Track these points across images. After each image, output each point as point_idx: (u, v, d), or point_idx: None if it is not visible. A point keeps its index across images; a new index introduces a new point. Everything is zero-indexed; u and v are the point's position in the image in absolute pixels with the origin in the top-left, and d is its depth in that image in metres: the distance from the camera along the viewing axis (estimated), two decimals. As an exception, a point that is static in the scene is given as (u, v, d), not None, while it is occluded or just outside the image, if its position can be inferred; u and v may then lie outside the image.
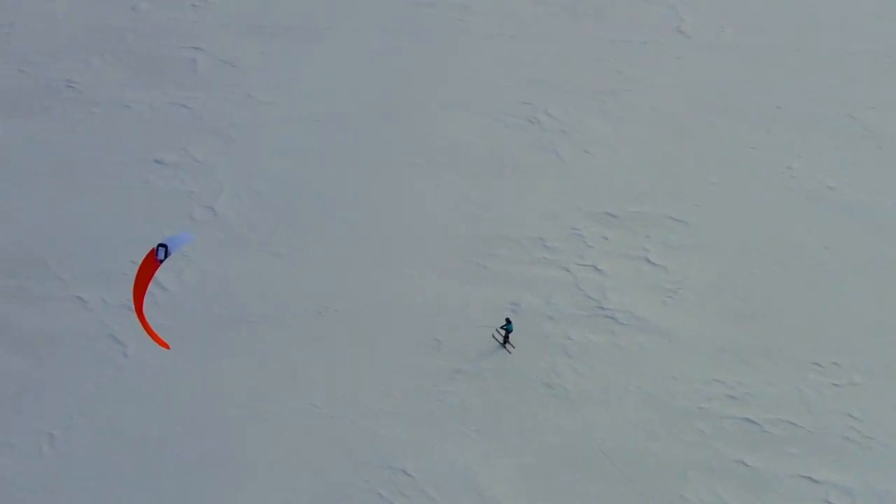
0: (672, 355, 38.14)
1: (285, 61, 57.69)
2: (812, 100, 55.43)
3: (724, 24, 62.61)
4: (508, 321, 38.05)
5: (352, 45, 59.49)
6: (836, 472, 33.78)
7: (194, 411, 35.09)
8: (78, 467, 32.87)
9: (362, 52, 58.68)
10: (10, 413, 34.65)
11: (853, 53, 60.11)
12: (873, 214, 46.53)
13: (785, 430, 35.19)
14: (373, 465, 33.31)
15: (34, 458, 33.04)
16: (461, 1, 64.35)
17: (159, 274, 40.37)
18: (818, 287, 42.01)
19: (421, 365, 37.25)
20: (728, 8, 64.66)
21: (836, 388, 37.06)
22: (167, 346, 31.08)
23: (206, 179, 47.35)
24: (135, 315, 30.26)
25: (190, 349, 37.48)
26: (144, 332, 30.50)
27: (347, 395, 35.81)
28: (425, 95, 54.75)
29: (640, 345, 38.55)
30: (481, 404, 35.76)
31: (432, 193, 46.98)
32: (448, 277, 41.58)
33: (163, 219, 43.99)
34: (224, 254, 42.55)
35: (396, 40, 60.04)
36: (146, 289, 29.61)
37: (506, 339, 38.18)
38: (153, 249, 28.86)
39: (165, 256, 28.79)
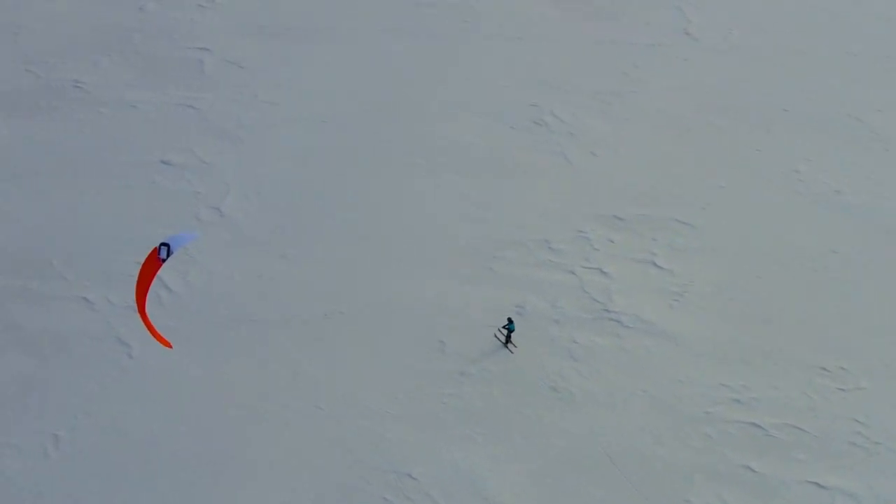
0: (678, 359, 38.04)
1: (292, 62, 57.71)
2: (819, 102, 55.33)
3: (732, 26, 62.54)
4: (510, 321, 38.01)
5: (359, 46, 59.52)
6: (843, 477, 33.63)
7: (198, 412, 35.07)
8: (82, 468, 32.86)
9: (369, 54, 58.70)
10: (15, 413, 34.66)
11: (860, 56, 59.97)
12: (880, 217, 46.38)
13: (791, 435, 35.06)
14: (377, 468, 33.24)
15: (39, 459, 33.03)
16: (467, 2, 64.38)
17: (165, 275, 40.59)
18: (824, 290, 41.88)
19: (425, 367, 37.19)
20: (735, 10, 64.59)
21: (843, 392, 36.93)
22: (170, 346, 31.05)
23: (212, 180, 47.37)
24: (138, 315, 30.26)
25: (195, 350, 37.46)
26: (147, 332, 30.48)
27: (352, 398, 35.76)
28: (431, 97, 54.75)
29: (646, 348, 38.45)
30: (486, 407, 35.69)
31: (438, 195, 46.95)
32: (453, 280, 41.52)
33: (169, 220, 43.97)
34: (230, 255, 42.54)
35: (403, 41, 60.06)
36: (148, 288, 29.57)
37: (508, 338, 38.15)
38: (155, 248, 28.84)
39: (168, 255, 28.74)
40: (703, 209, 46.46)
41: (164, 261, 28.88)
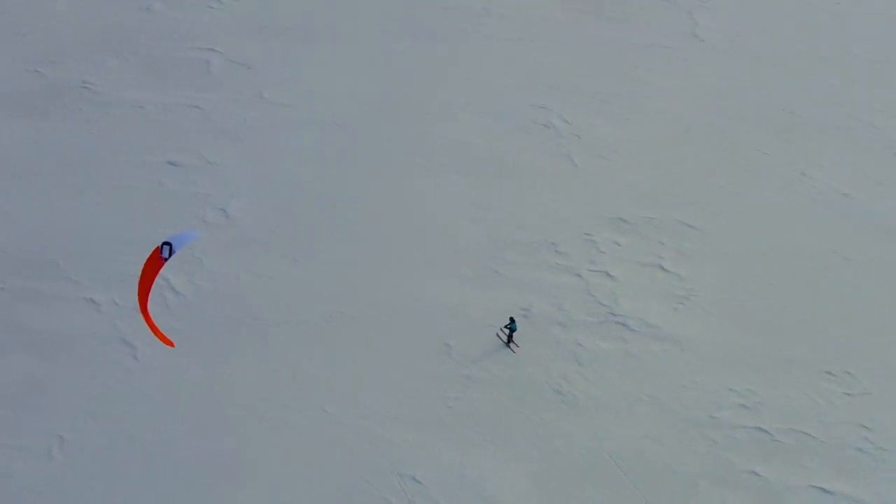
0: (684, 363, 37.94)
1: (299, 63, 57.76)
2: (827, 106, 55.22)
3: (740, 28, 62.41)
4: (512, 320, 38.00)
5: (364, 46, 59.53)
6: (849, 483, 33.50)
7: (202, 413, 35.07)
8: (87, 469, 32.87)
9: (374, 54, 58.72)
10: (21, 414, 34.68)
11: (865, 58, 59.81)
12: (888, 222, 46.25)
13: (797, 441, 34.94)
14: (380, 470, 33.19)
15: (43, 460, 33.05)
16: (477, 4, 64.36)
17: (171, 276, 40.64)
18: (831, 295, 41.75)
19: (431, 370, 37.14)
20: (743, 13, 64.49)
21: (849, 397, 36.80)
22: (172, 344, 31.05)
23: (218, 181, 47.37)
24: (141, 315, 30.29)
25: (200, 352, 37.47)
26: (150, 332, 30.50)
27: (355, 399, 35.73)
28: (436, 98, 54.75)
29: (652, 352, 38.36)
30: (491, 411, 35.62)
31: (443, 197, 46.90)
32: (459, 282, 41.47)
33: (174, 221, 43.94)
34: (235, 257, 42.53)
35: (407, 42, 60.08)
36: (151, 287, 29.52)
37: (510, 338, 38.14)
38: (158, 247, 28.82)
39: (170, 255, 28.71)
40: (709, 212, 46.37)
41: (166, 260, 28.84)
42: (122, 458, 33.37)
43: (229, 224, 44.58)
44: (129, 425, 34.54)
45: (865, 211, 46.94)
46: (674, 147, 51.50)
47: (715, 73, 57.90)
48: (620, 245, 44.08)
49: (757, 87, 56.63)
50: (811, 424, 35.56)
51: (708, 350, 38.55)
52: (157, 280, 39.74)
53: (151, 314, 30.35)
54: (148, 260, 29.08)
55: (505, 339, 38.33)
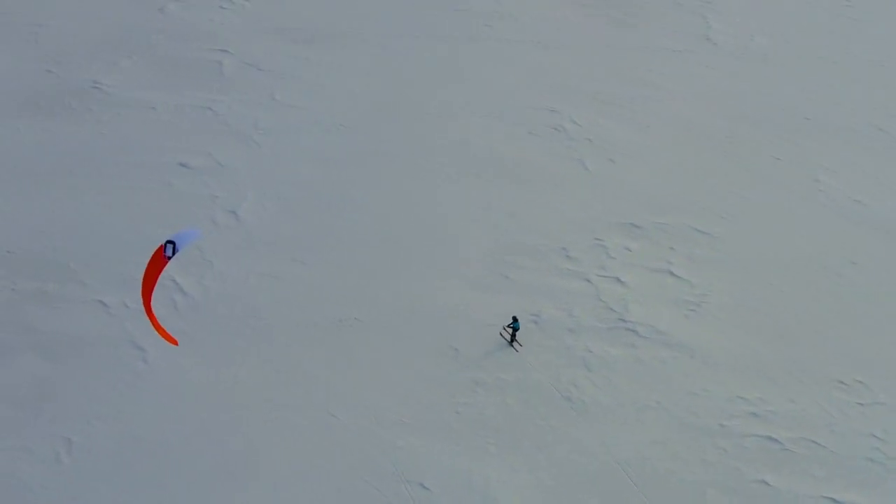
0: (694, 371, 37.72)
1: (312, 65, 57.74)
2: (840, 111, 54.90)
3: (753, 32, 62.13)
4: (515, 319, 37.90)
5: (379, 49, 59.47)
6: (860, 493, 33.23)
7: (211, 418, 35.01)
8: (95, 473, 32.84)
9: (389, 57, 58.66)
10: (30, 417, 34.68)
11: (883, 64, 59.43)
12: (902, 229, 45.97)
13: (808, 450, 34.68)
14: (388, 476, 33.08)
15: (52, 464, 33.03)
16: (492, 7, 64.23)
17: (180, 278, 40.64)
18: (843, 303, 41.47)
19: (440, 375, 37.01)
20: (757, 17, 64.17)
21: (861, 406, 36.53)
22: (175, 343, 31.03)
23: (229, 184, 47.35)
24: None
25: (208, 355, 37.44)
26: (155, 332, 30.52)
27: (365, 405, 35.62)
28: (450, 102, 54.65)
29: (662, 359, 38.15)
30: (500, 417, 35.48)
31: (454, 200, 46.79)
32: (469, 287, 41.34)
33: (185, 223, 43.82)
34: (245, 259, 42.49)
35: (423, 45, 59.99)
36: (154, 286, 29.51)
37: (513, 337, 38.03)
38: (161, 246, 28.79)
39: (173, 253, 28.68)
40: (721, 218, 46.14)
41: (169, 259, 28.80)
42: (129, 460, 33.33)
43: (239, 226, 44.54)
44: (137, 427, 34.50)
45: (879, 218, 46.62)
46: (686, 152, 51.27)
47: (728, 77, 57.63)
48: (631, 250, 43.88)
49: (770, 92, 56.33)
50: (822, 434, 35.31)
51: (718, 357, 38.33)
52: (166, 282, 40.10)
53: (157, 314, 30.33)
54: (151, 259, 29.06)
55: (508, 338, 38.23)
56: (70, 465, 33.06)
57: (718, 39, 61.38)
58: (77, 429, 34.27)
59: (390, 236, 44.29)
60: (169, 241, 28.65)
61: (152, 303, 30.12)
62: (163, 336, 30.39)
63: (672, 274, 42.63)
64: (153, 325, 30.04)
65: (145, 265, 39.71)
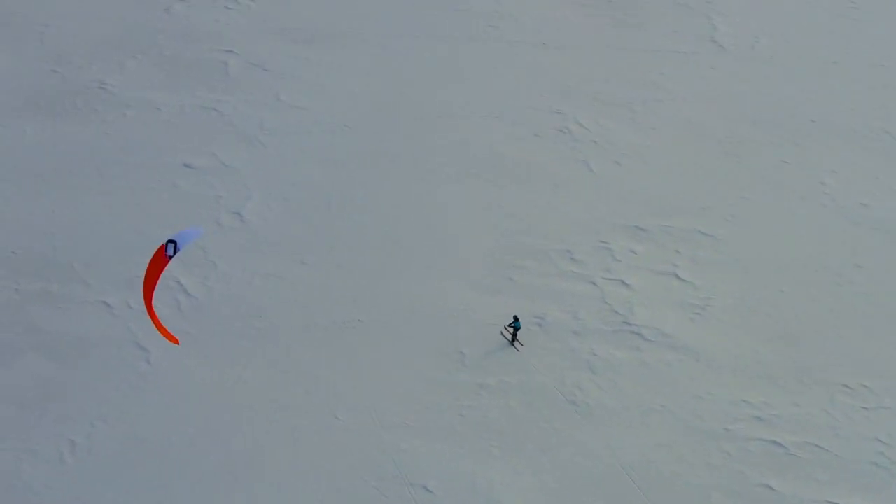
0: (699, 374, 37.64)
1: (317, 65, 57.65)
2: (846, 114, 54.72)
3: (759, 35, 61.94)
4: (516, 319, 37.85)
5: (384, 50, 59.37)
6: (864, 498, 33.13)
7: (215, 418, 35.00)
8: (99, 474, 32.85)
9: (394, 58, 58.56)
10: (34, 418, 34.68)
11: (889, 67, 59.24)
12: (907, 233, 45.82)
13: (812, 454, 34.58)
14: (392, 479, 33.04)
15: (55, 464, 33.04)
16: (493, 8, 64.11)
17: (184, 279, 40.65)
18: (849, 306, 41.34)
19: (443, 378, 36.96)
20: (763, 19, 63.97)
21: (866, 411, 36.41)
22: (177, 342, 31.01)
23: (234, 184, 47.32)
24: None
25: (212, 356, 37.43)
26: (156, 330, 30.51)
27: (369, 408, 35.58)
28: (455, 103, 54.54)
29: (667, 362, 38.06)
30: (504, 420, 35.42)
31: (459, 202, 46.72)
32: (474, 289, 41.28)
33: (189, 223, 43.78)
34: (250, 260, 42.47)
35: (423, 45, 59.90)
36: (155, 285, 29.48)
37: (514, 336, 37.97)
38: (162, 245, 28.78)
39: (175, 252, 28.66)
40: (726, 221, 46.02)
41: (170, 258, 28.78)
42: (133, 461, 33.34)
43: (243, 227, 44.52)
44: (140, 428, 34.52)
45: (884, 221, 46.46)
46: (691, 154, 51.14)
47: (734, 80, 57.47)
48: (636, 253, 43.79)
49: (776, 94, 56.18)
50: (827, 438, 35.20)
51: (723, 361, 38.24)
52: (170, 283, 40.14)
53: (161, 315, 30.28)
54: (152, 259, 29.05)
55: (509, 337, 38.17)
56: (74, 465, 33.06)
57: (724, 42, 61.19)
58: (81, 429, 34.27)
59: (393, 237, 44.25)
60: (170, 241, 28.63)
61: (155, 302, 30.10)
62: (164, 335, 30.38)
63: (677, 277, 42.53)
64: (154, 323, 30.03)
65: (148, 266, 39.85)
